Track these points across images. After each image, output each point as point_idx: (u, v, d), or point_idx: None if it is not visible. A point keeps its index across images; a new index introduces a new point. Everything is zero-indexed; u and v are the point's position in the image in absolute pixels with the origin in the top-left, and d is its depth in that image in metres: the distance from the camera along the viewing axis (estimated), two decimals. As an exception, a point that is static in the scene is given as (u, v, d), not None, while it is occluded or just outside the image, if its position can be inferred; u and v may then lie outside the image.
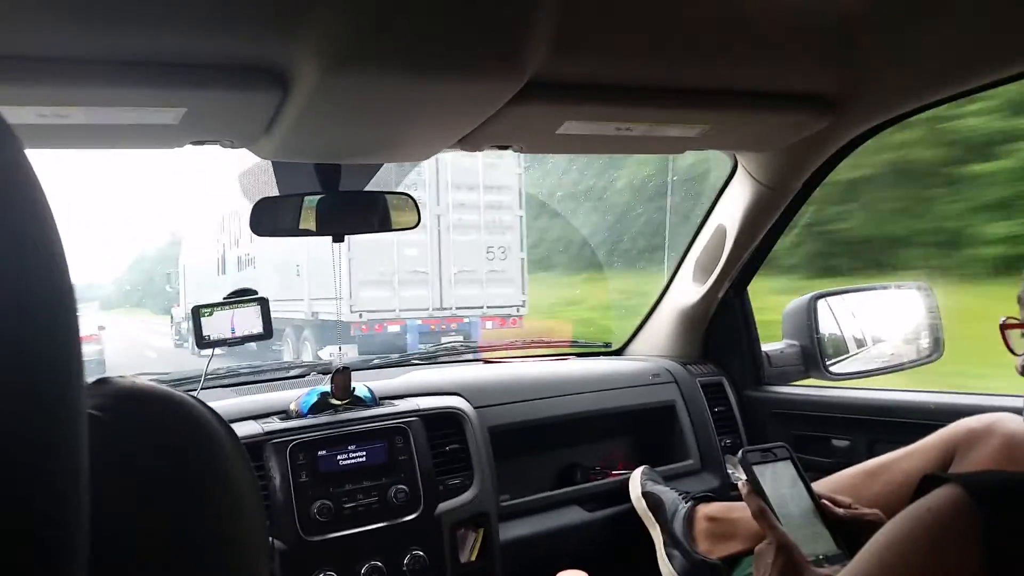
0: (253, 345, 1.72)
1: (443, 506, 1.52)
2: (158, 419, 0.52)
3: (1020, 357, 0.86)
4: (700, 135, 1.56)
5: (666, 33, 1.23)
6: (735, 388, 2.02)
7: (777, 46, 1.33)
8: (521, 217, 9.87)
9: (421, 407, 1.58)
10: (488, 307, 9.41)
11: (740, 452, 1.18)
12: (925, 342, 2.04)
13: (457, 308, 9.34)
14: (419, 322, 9.07)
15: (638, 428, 1.94)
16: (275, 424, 1.48)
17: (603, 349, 2.28)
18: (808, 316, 2.00)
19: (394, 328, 8.90)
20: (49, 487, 0.34)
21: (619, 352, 2.23)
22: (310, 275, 9.47)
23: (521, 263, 9.74)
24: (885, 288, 2.23)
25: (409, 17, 0.99)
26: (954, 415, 1.36)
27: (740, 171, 1.84)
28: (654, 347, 2.14)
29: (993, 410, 1.35)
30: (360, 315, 8.74)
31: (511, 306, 9.60)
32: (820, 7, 1.22)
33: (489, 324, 9.40)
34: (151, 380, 1.61)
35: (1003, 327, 0.88)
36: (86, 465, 0.37)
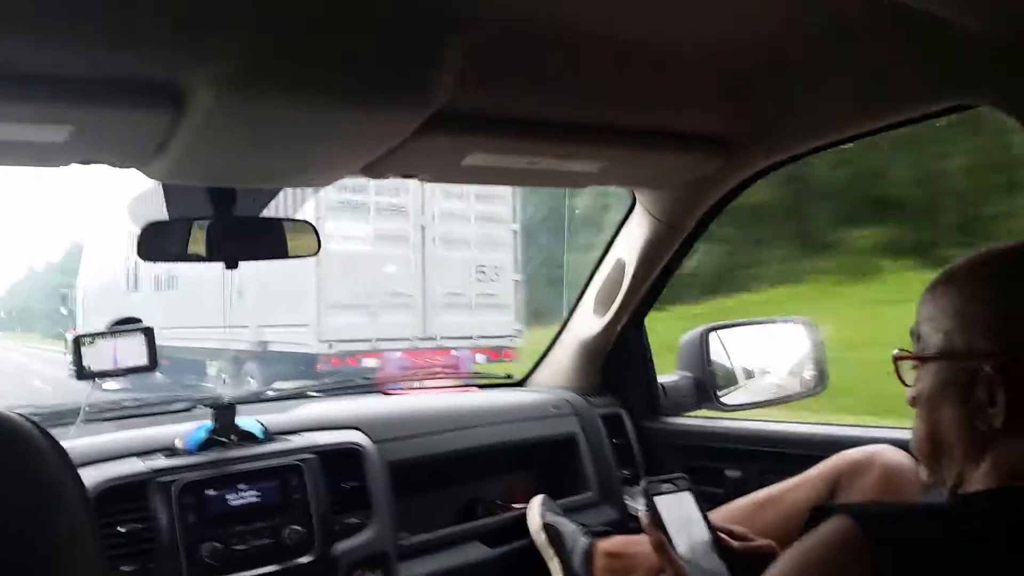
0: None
1: (340, 546, 1.46)
2: None
3: (910, 389, 0.91)
4: (600, 171, 1.59)
5: (567, 70, 1.26)
6: (633, 419, 2.05)
7: (673, 88, 1.38)
8: (516, 232, 8.65)
9: (317, 443, 1.52)
10: (479, 336, 8.21)
11: (643, 482, 1.19)
12: (810, 374, 2.14)
13: (443, 338, 8.03)
14: (399, 354, 7.69)
15: (539, 460, 1.93)
16: (160, 462, 1.39)
17: (505, 380, 2.27)
18: (700, 348, 2.06)
19: (370, 362, 7.60)
20: None
21: (521, 383, 2.23)
22: (258, 296, 8.12)
23: (515, 286, 8.58)
24: (772, 322, 2.33)
25: (314, 42, 0.97)
26: (840, 446, 1.42)
27: (638, 207, 1.89)
28: (555, 379, 2.15)
29: (877, 441, 1.41)
30: (330, 345, 7.43)
31: (504, 336, 8.39)
32: (714, 52, 1.28)
33: (480, 357, 8.13)
34: (28, 411, 1.49)
35: (896, 359, 0.92)
36: None
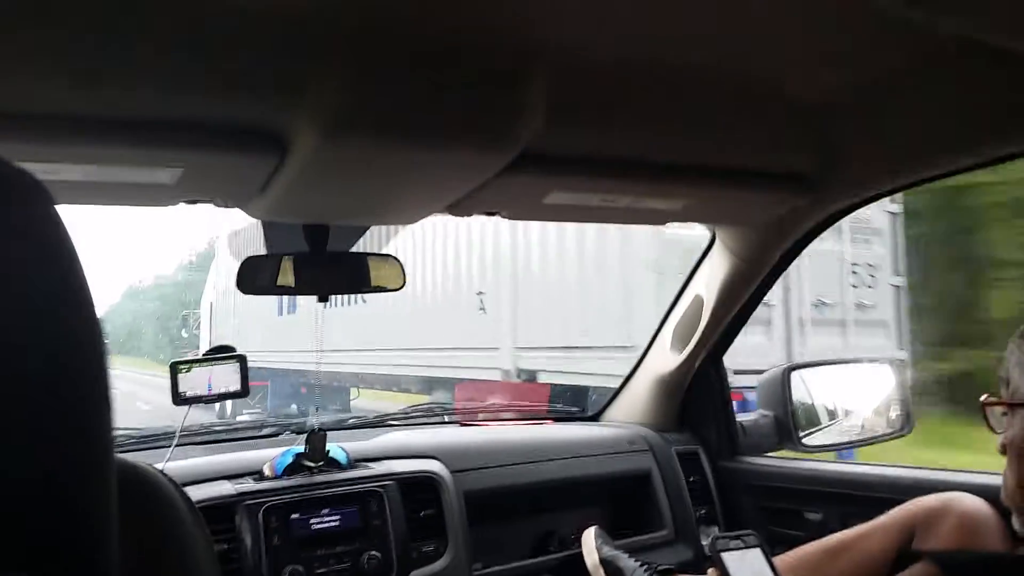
0: None
1: (416, 573, 1.49)
2: (126, 487, 0.55)
3: (1001, 435, 0.89)
4: (681, 209, 1.60)
5: (650, 112, 1.28)
6: (710, 458, 2.02)
7: (755, 126, 1.38)
8: (896, 215, 6.13)
9: (396, 471, 1.56)
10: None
11: (711, 539, 1.18)
12: (895, 416, 2.07)
13: None
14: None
15: (614, 496, 1.93)
16: (248, 485, 1.45)
17: (579, 414, 2.28)
18: (782, 387, 2.03)
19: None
20: (81, 527, 0.35)
21: (595, 418, 2.24)
22: (516, 311, 6.55)
23: (896, 295, 6.03)
24: (858, 362, 2.27)
25: (408, 88, 1.02)
26: (925, 490, 1.38)
27: (718, 244, 1.89)
28: (631, 414, 2.15)
29: (960, 486, 1.37)
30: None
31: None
32: (795, 90, 1.28)
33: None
34: (125, 433, 1.58)
35: (984, 404, 0.91)
36: (115, 512, 0.38)
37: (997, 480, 0.96)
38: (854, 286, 5.85)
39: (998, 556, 1.08)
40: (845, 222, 5.21)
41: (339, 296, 9.20)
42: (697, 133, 1.38)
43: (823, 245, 5.50)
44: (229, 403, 12.16)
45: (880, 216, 6.02)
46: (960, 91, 1.25)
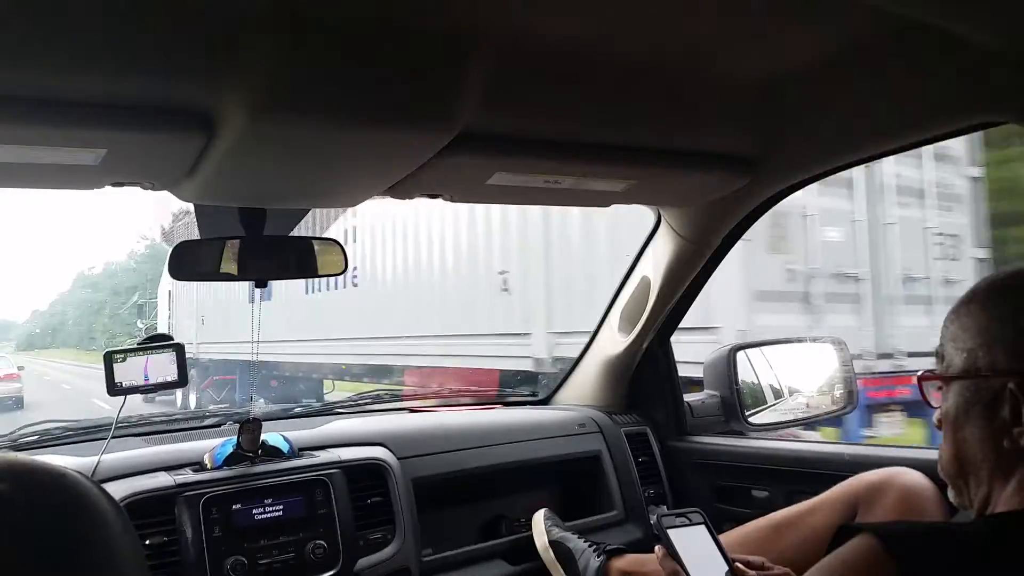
0: None
1: (363, 562, 1.47)
2: (45, 493, 0.54)
3: (937, 410, 0.90)
4: (625, 190, 1.60)
5: (590, 91, 1.27)
6: (658, 438, 2.04)
7: (697, 108, 1.38)
8: (976, 180, 5.42)
9: (342, 458, 1.54)
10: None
11: (656, 517, 1.19)
12: (839, 393, 2.11)
13: (906, 354, 4.79)
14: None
15: (563, 478, 1.93)
16: (188, 476, 1.41)
17: (529, 398, 2.27)
18: (728, 367, 2.05)
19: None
20: None
21: (545, 401, 2.24)
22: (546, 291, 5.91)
23: (977, 267, 5.33)
24: (801, 341, 2.31)
25: (342, 66, 0.99)
26: (867, 466, 1.41)
27: (663, 225, 1.89)
28: (580, 396, 2.15)
29: (901, 461, 1.40)
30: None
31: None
32: (736, 73, 1.28)
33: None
34: (62, 425, 1.53)
35: (920, 379, 0.92)
36: None
37: (936, 455, 0.98)
38: (938, 259, 5.07)
39: (935, 525, 1.10)
40: (927, 184, 5.16)
41: (324, 280, 8.84)
42: (638, 115, 1.38)
43: (906, 212, 5.02)
44: (191, 399, 11.99)
45: (959, 181, 5.28)
46: (894, 74, 1.27)
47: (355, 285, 8.71)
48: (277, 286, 8.96)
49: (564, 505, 1.86)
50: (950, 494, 0.92)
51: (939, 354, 0.90)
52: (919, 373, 0.93)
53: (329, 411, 1.97)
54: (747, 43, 1.18)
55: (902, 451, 1.68)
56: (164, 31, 0.91)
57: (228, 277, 1.45)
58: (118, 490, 1.32)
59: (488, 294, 6.61)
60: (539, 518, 1.69)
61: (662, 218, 1.89)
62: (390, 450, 1.62)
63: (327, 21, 0.94)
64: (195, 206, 1.44)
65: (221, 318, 11.64)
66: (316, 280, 8.47)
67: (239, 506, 1.39)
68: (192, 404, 8.51)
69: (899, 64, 1.23)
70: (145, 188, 1.24)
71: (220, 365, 12.08)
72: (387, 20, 0.97)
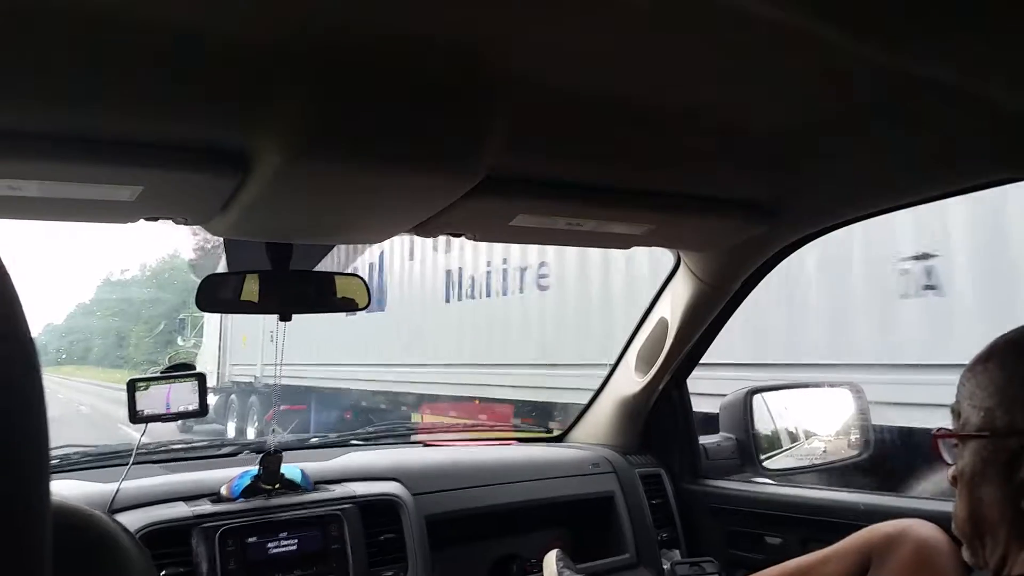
0: None
1: (375, 597, 1.47)
2: (74, 535, 0.54)
3: (952, 467, 0.90)
4: (645, 233, 1.62)
5: (611, 136, 1.29)
6: (673, 480, 2.03)
7: (715, 156, 1.40)
8: None
9: (356, 493, 1.55)
10: None
11: (670, 565, 1.19)
12: (855, 439, 2.10)
13: None
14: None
15: (577, 519, 1.92)
16: (205, 507, 1.43)
17: (544, 435, 2.27)
18: (744, 410, 2.04)
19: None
20: None
21: (560, 439, 2.23)
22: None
23: None
24: (819, 386, 2.30)
25: (374, 110, 1.02)
26: (882, 516, 1.40)
27: (682, 268, 1.91)
28: (595, 435, 2.15)
29: (918, 512, 1.39)
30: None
31: None
32: (755, 121, 1.30)
33: None
34: (82, 450, 1.54)
35: (935, 436, 0.92)
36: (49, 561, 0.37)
37: (951, 507, 0.97)
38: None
39: None
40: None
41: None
42: (660, 162, 1.40)
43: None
44: (250, 432, 10.89)
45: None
46: (910, 128, 1.28)
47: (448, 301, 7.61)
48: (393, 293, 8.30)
49: (576, 546, 1.86)
50: (964, 553, 0.91)
51: (955, 411, 0.90)
52: (934, 430, 0.93)
53: (345, 443, 1.97)
54: (768, 98, 1.20)
55: (918, 503, 1.66)
56: (202, 75, 0.95)
57: (252, 309, 1.48)
58: (137, 519, 1.34)
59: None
60: (551, 559, 1.68)
61: (682, 260, 1.90)
62: (404, 485, 1.62)
63: (361, 66, 0.97)
64: (224, 240, 1.47)
65: (298, 337, 9.77)
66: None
67: (255, 539, 1.40)
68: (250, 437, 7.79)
69: (919, 117, 1.25)
70: (178, 223, 1.27)
71: (288, 393, 10.44)
72: (420, 67, 1.00)
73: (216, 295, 1.48)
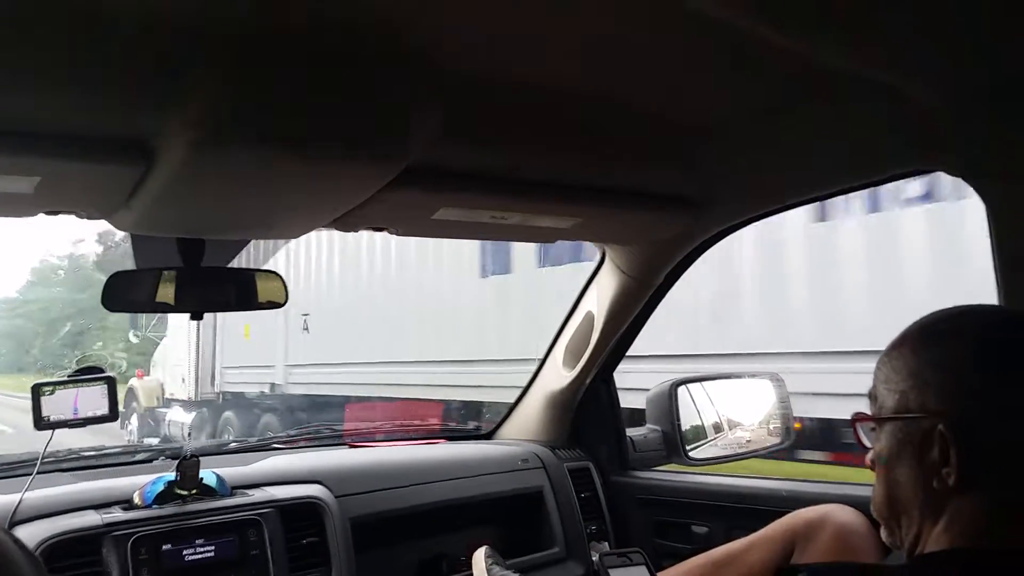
0: None
1: (298, 604, 1.43)
2: None
3: (870, 451, 0.92)
4: (571, 227, 1.62)
5: (538, 130, 1.29)
6: (601, 473, 2.04)
7: (640, 150, 1.41)
8: None
9: (276, 497, 1.50)
10: None
11: (598, 557, 1.19)
12: (776, 428, 2.15)
13: None
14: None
15: (506, 515, 1.91)
16: (116, 515, 1.36)
17: (473, 433, 2.26)
18: (669, 402, 2.07)
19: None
20: None
21: (489, 436, 2.22)
22: None
23: None
24: (740, 376, 2.35)
25: (288, 99, 0.98)
26: (804, 502, 1.43)
27: (608, 262, 1.92)
28: (524, 431, 2.14)
29: (840, 499, 1.43)
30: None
31: None
32: (680, 117, 1.31)
33: None
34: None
35: (853, 420, 0.94)
36: None
37: (870, 491, 0.99)
38: None
39: (867, 567, 1.12)
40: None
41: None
42: (584, 155, 1.40)
43: None
44: None
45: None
46: (830, 122, 1.32)
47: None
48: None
49: (506, 542, 1.84)
50: (883, 534, 0.94)
51: (872, 396, 0.92)
52: (852, 414, 0.95)
53: (265, 447, 1.92)
54: (691, 90, 1.21)
55: (839, 488, 1.71)
56: (102, 57, 0.90)
57: (164, 308, 1.42)
58: (42, 531, 1.26)
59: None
60: (480, 557, 1.66)
61: (607, 255, 1.91)
62: (327, 488, 1.58)
63: (273, 53, 0.93)
64: (131, 235, 1.40)
65: (344, 327, 7.47)
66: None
67: (169, 547, 1.34)
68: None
69: (837, 112, 1.28)
70: (81, 217, 1.20)
71: (320, 405, 7.81)
72: (334, 55, 0.97)
73: (126, 294, 1.41)
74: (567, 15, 0.93)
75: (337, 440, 2.06)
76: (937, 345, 0.86)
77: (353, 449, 1.96)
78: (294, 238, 1.56)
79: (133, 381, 11.64)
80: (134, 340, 11.65)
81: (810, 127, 1.35)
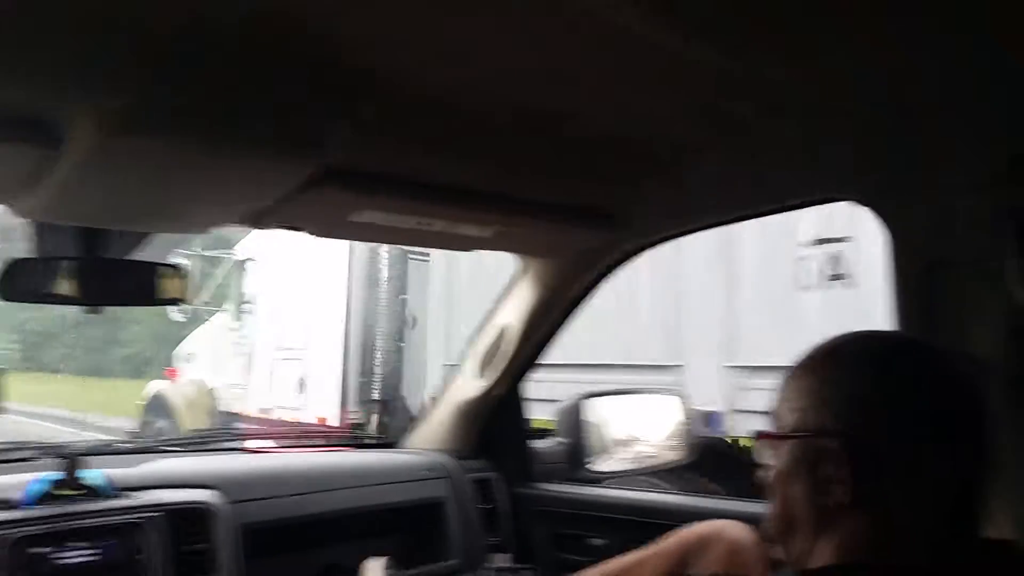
0: None
1: (181, 612, 1.37)
2: None
3: (765, 471, 0.94)
4: (492, 237, 1.62)
5: (462, 139, 1.28)
6: (507, 485, 2.04)
7: (562, 163, 1.43)
8: None
9: (164, 501, 1.44)
10: None
11: (494, 572, 1.19)
12: (679, 444, 2.20)
13: None
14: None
15: (407, 525, 1.89)
16: None
17: (379, 441, 2.22)
18: (576, 415, 2.09)
19: None
20: None
21: (395, 444, 2.19)
22: None
23: None
24: (648, 392, 2.40)
25: (204, 88, 0.95)
26: (700, 516, 1.46)
27: (526, 273, 1.93)
28: (432, 440, 2.12)
29: (731, 514, 1.46)
30: None
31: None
32: (602, 131, 1.33)
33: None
34: None
35: (757, 437, 0.96)
36: None
37: (762, 508, 1.02)
38: None
39: None
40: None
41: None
42: (506, 165, 1.40)
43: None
44: None
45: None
46: (752, 148, 1.36)
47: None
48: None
49: (406, 553, 1.82)
50: (775, 550, 0.97)
51: (775, 414, 0.95)
52: (756, 431, 0.98)
53: (155, 448, 1.84)
54: (610, 106, 1.23)
55: (732, 504, 1.76)
56: (15, 41, 0.84)
57: (62, 300, 1.36)
58: None
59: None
60: (374, 567, 1.63)
61: (525, 266, 1.92)
62: (220, 493, 1.52)
63: (192, 44, 0.90)
64: (31, 223, 1.33)
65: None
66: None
67: (48, 549, 1.28)
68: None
69: (754, 139, 1.32)
70: None
71: None
72: (255, 48, 0.94)
73: (26, 283, 1.35)
74: (489, 24, 0.93)
75: (236, 445, 1.99)
76: (836, 367, 0.90)
77: (252, 454, 1.90)
78: (202, 233, 1.50)
79: (160, 385, 8.28)
80: (178, 318, 7.86)
81: (720, 153, 1.39)
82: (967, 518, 0.85)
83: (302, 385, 6.44)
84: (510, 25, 0.94)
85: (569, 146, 1.37)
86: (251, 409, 6.90)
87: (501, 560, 1.84)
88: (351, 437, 2.28)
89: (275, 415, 6.55)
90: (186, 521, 1.44)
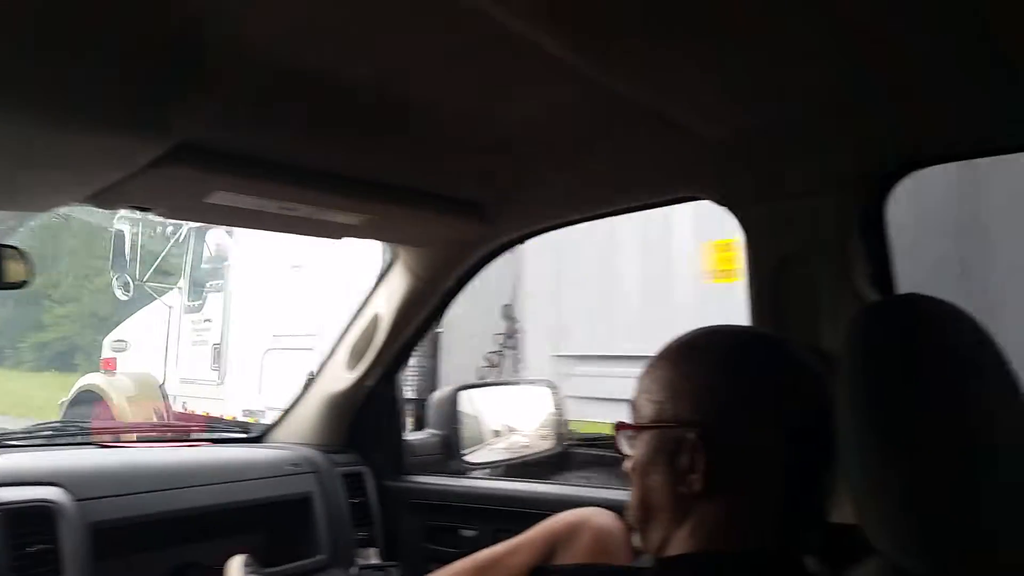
0: None
1: (21, 618, 1.27)
2: None
3: (627, 460, 0.96)
4: (361, 224, 1.58)
5: (330, 121, 1.24)
6: (377, 478, 2.00)
7: (433, 152, 1.41)
8: None
9: (3, 499, 1.32)
10: None
11: (358, 570, 1.16)
12: (549, 434, 2.24)
13: None
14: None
15: (271, 522, 1.82)
16: None
17: (241, 436, 2.13)
18: (451, 407, 2.09)
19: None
20: None
21: (259, 439, 2.11)
22: None
23: None
24: (520, 384, 2.42)
25: (44, 57, 0.87)
26: (568, 505, 1.48)
27: (398, 263, 1.90)
28: (297, 434, 2.06)
29: (599, 502, 1.49)
30: None
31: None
32: (473, 123, 1.33)
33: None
34: None
35: (616, 428, 0.98)
36: None
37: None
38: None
39: (615, 568, 1.18)
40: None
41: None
42: (377, 150, 1.37)
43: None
44: None
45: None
46: (615, 146, 1.39)
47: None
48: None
49: (271, 550, 1.75)
50: (634, 538, 0.99)
51: (634, 405, 0.97)
52: (615, 422, 0.99)
53: (-3, 443, 1.69)
54: (480, 96, 1.22)
55: (601, 492, 1.80)
56: None
57: None
58: None
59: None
60: (234, 565, 1.56)
61: (396, 255, 1.89)
62: (66, 490, 1.42)
63: (31, 18, 0.82)
64: None
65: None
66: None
67: None
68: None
69: (618, 137, 1.35)
70: None
71: None
72: (98, 11, 0.87)
73: None
74: (358, 7, 0.90)
75: (84, 439, 1.86)
76: (692, 359, 0.92)
77: (104, 449, 1.78)
78: (44, 211, 1.39)
79: (93, 378, 6.69)
80: (121, 296, 6.25)
81: (590, 149, 1.41)
82: (815, 505, 0.89)
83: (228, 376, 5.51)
84: (380, 13, 0.91)
85: (436, 137, 1.35)
86: (231, 411, 5.46)
87: (369, 555, 1.81)
88: (211, 432, 2.17)
89: (270, 419, 5.14)
90: (28, 520, 1.33)
